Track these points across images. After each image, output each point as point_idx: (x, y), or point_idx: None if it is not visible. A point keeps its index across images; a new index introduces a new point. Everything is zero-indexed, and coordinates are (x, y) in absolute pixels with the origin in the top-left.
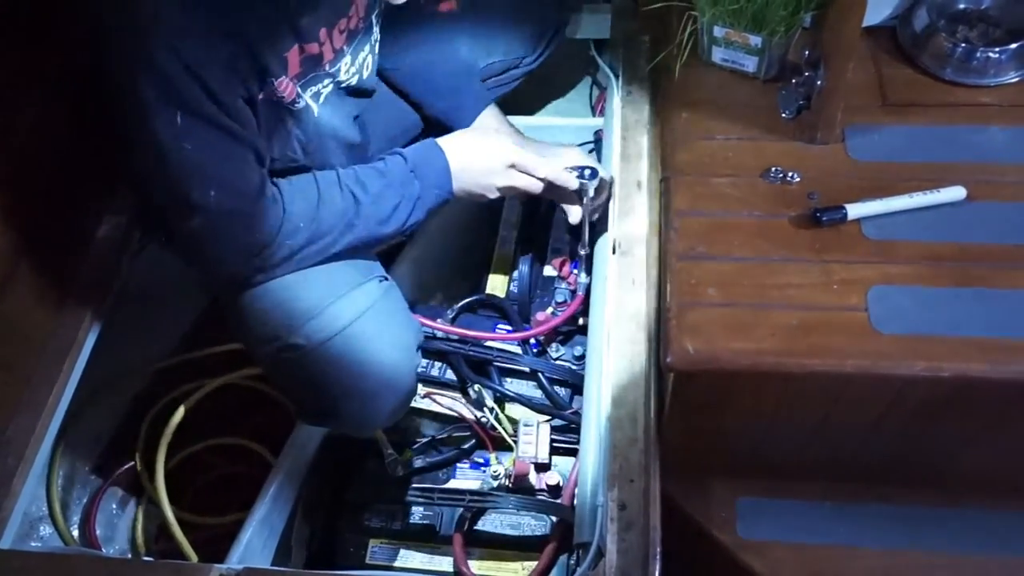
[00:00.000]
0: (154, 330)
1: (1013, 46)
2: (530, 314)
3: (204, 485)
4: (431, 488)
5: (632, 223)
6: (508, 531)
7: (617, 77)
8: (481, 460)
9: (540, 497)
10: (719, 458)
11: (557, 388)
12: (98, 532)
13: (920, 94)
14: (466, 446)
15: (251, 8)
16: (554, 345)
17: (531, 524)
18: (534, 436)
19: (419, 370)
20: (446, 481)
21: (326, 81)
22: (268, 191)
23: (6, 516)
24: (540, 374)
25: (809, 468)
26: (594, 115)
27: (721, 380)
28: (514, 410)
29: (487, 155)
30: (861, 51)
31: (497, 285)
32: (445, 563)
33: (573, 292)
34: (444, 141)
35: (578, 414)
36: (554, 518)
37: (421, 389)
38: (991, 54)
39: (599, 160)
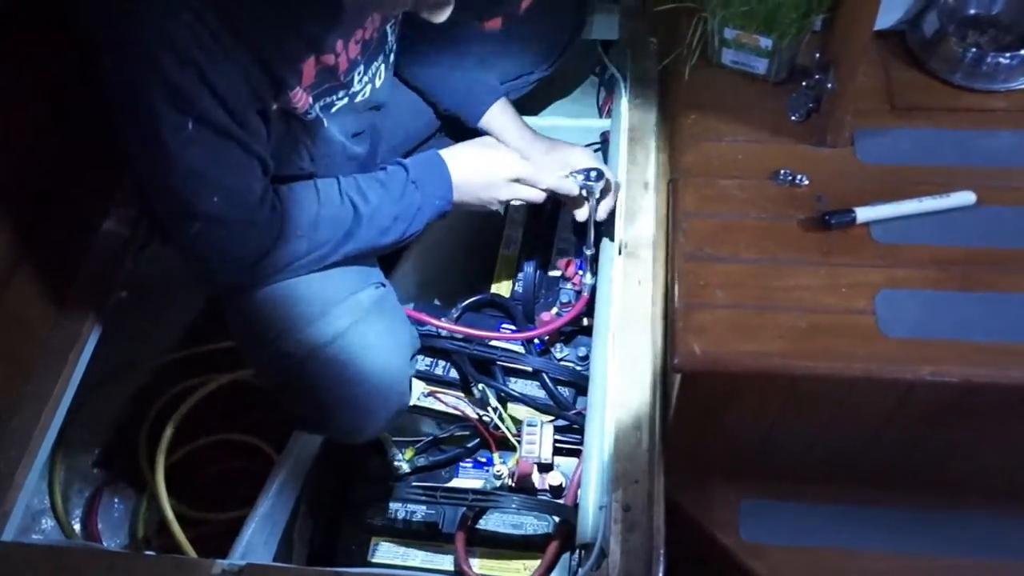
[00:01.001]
0: (158, 325)
1: (1023, 52)
2: (534, 314)
3: (207, 480)
4: (434, 487)
5: (639, 224)
6: (510, 531)
7: (625, 78)
8: (484, 460)
9: (543, 497)
10: (723, 460)
11: (561, 388)
12: (100, 526)
13: (929, 98)
14: (469, 445)
15: (267, 20)
16: (558, 346)
17: (533, 524)
18: (537, 436)
19: (423, 369)
20: (449, 480)
21: (340, 93)
22: (269, 200)
23: (8, 509)
24: (544, 374)
25: (813, 471)
26: (601, 116)
27: (727, 381)
28: (518, 410)
29: (489, 168)
30: (871, 55)
31: (502, 285)
32: (447, 562)
33: (578, 293)
34: (447, 153)
35: (582, 415)
36: (556, 518)
37: (425, 388)
38: (1001, 60)
39: (605, 161)
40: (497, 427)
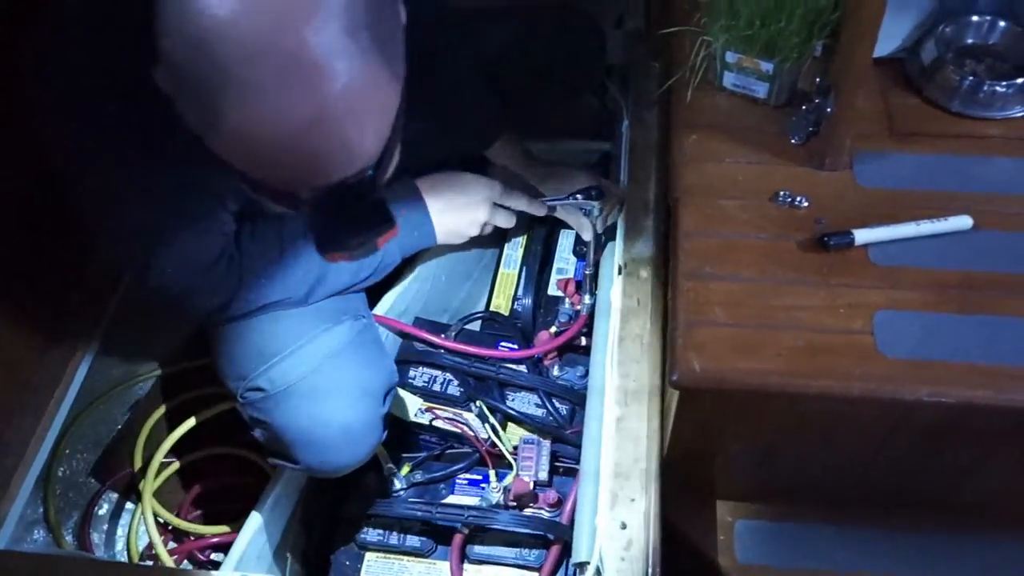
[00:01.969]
0: (155, 338)
1: (1020, 81)
2: (533, 333)
3: (202, 494)
4: (430, 503)
5: (639, 244)
6: (506, 549)
7: (626, 101)
8: (480, 477)
9: (539, 516)
10: (720, 479)
11: (559, 407)
12: (93, 537)
13: (927, 124)
14: (466, 463)
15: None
16: (556, 365)
17: (529, 542)
18: (534, 454)
19: (420, 385)
20: (445, 497)
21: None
22: (230, 257)
23: (2, 517)
24: (541, 392)
25: (810, 491)
26: (602, 139)
27: (726, 399)
28: (515, 428)
29: (467, 193)
30: (870, 81)
31: (501, 303)
32: None
33: (577, 312)
34: (421, 182)
35: (579, 433)
36: (552, 536)
37: (422, 404)
38: (998, 88)
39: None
40: (494, 444)
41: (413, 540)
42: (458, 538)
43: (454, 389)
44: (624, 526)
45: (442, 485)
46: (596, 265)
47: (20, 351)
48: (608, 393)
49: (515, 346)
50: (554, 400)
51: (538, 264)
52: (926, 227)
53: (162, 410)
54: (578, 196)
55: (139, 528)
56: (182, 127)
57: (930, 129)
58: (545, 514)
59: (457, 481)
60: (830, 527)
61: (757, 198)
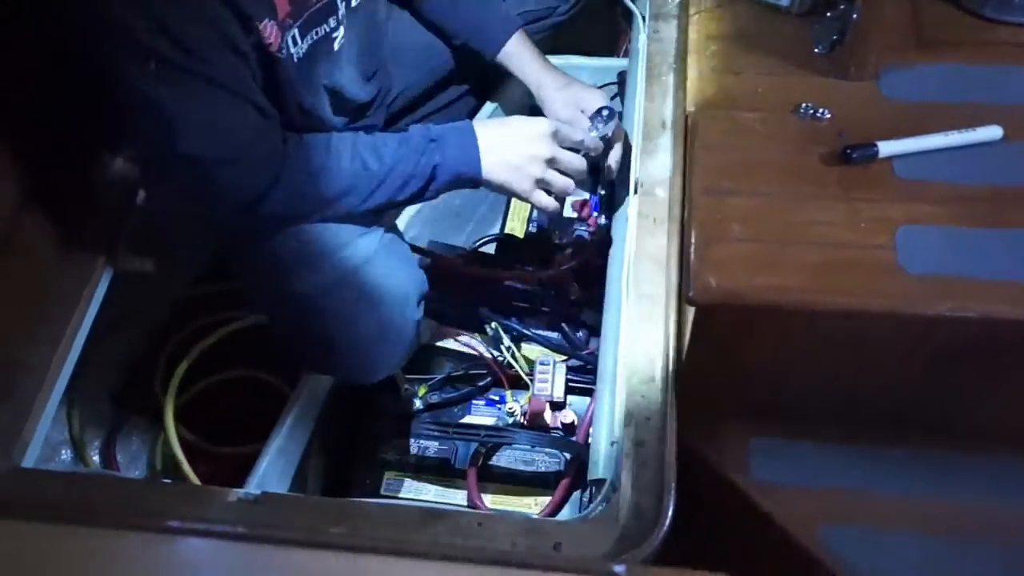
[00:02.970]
0: (171, 262)
1: None
2: (549, 254)
3: (222, 416)
4: (446, 423)
5: (655, 163)
6: (522, 467)
7: (643, 14)
8: (496, 398)
9: (555, 434)
10: (735, 398)
11: (575, 329)
12: (118, 457)
13: (958, 32)
14: (482, 383)
15: None
16: (573, 286)
17: (545, 461)
18: (550, 375)
19: (436, 307)
20: (461, 417)
21: (331, 22)
22: (264, 144)
23: (28, 438)
24: (556, 311)
25: (826, 411)
26: (618, 56)
27: (743, 316)
28: (531, 349)
29: (521, 130)
30: None
31: (516, 225)
32: (459, 497)
33: (593, 233)
34: (476, 122)
35: (595, 354)
36: (568, 455)
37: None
38: None
39: (622, 101)
40: (510, 366)
41: (431, 459)
42: (475, 456)
43: (470, 311)
44: (640, 443)
45: (458, 406)
46: (611, 185)
47: (35, 278)
48: (624, 311)
49: (529, 268)
50: (569, 320)
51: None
52: (954, 138)
53: (180, 334)
54: (602, 112)
55: (163, 449)
56: None
57: (961, 37)
58: (561, 433)
59: (473, 402)
60: (845, 446)
61: (778, 111)
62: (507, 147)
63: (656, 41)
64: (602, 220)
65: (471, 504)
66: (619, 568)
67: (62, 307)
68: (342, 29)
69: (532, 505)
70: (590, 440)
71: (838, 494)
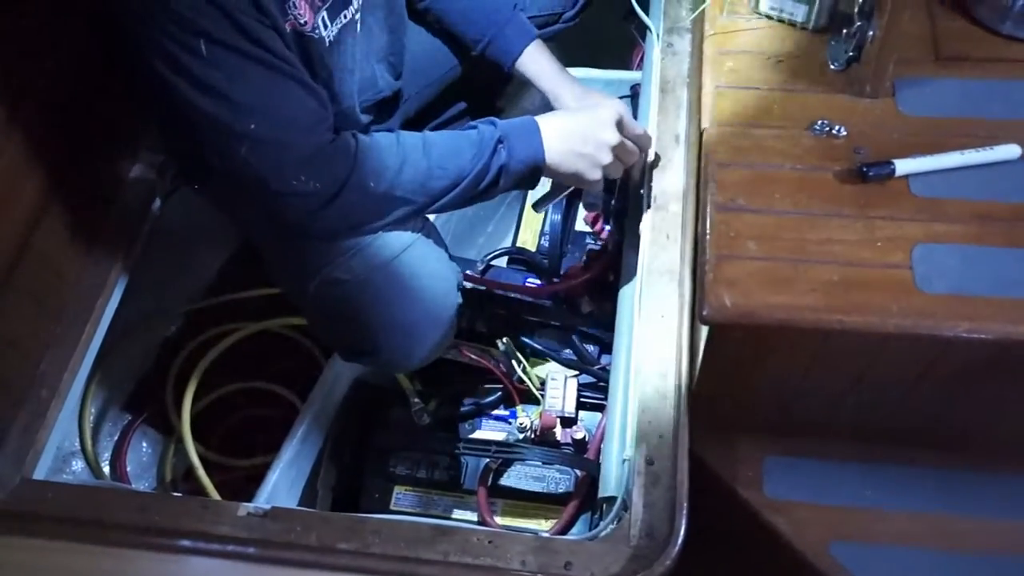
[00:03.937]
0: (185, 272)
1: None
2: (560, 268)
3: (232, 427)
4: (457, 438)
5: (668, 178)
6: (532, 484)
7: (657, 28)
8: (507, 412)
9: (566, 451)
10: (749, 415)
11: (586, 343)
12: (128, 468)
13: (976, 48)
14: (493, 398)
15: None
16: (584, 300)
17: (555, 478)
18: (561, 390)
19: None
20: (472, 432)
21: (353, 4)
22: (329, 132)
23: (40, 448)
24: (567, 327)
25: (839, 428)
26: (632, 68)
27: (757, 334)
28: (542, 364)
29: (590, 117)
30: (916, 1)
31: (528, 238)
32: (469, 513)
33: (605, 247)
34: (541, 117)
35: (606, 370)
36: (579, 472)
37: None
38: None
39: (635, 114)
40: (521, 380)
41: (441, 473)
42: (485, 472)
43: (481, 325)
44: (651, 461)
45: (469, 421)
46: (625, 199)
47: (51, 285)
48: (636, 327)
49: (542, 282)
50: (580, 336)
51: (566, 198)
52: (971, 156)
53: (192, 345)
54: None
55: (172, 460)
56: None
57: (978, 53)
58: (572, 450)
59: (484, 417)
60: (860, 464)
61: (793, 127)
62: (574, 136)
63: (670, 55)
64: (613, 234)
65: (481, 521)
66: None
67: (76, 317)
68: (361, 14)
69: (543, 522)
70: (601, 457)
71: (851, 511)
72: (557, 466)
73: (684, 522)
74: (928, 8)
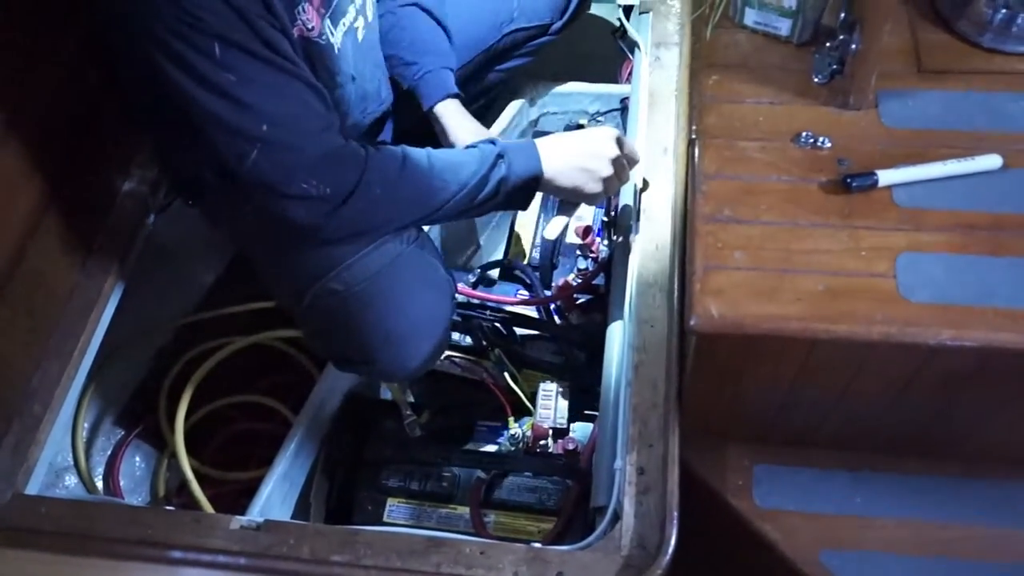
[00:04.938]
0: (177, 287)
1: None
2: (551, 280)
3: (225, 441)
4: (449, 450)
5: (657, 189)
6: (525, 494)
7: (645, 42)
8: (499, 424)
9: (557, 461)
10: (738, 424)
11: (576, 353)
12: (121, 483)
13: (957, 60)
14: (484, 410)
15: None
16: (575, 313)
17: (547, 488)
18: (552, 401)
19: None
20: (464, 444)
21: (350, 11)
22: (339, 137)
23: (32, 464)
24: (558, 338)
25: (828, 436)
26: (621, 82)
27: (745, 344)
28: (533, 375)
29: (586, 136)
30: (897, 15)
31: (519, 250)
32: (462, 524)
33: (596, 259)
34: (538, 139)
35: (597, 380)
36: (570, 482)
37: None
38: None
39: (624, 127)
40: (513, 392)
41: (433, 485)
42: (477, 483)
43: (473, 337)
44: (642, 471)
45: (460, 433)
46: (615, 211)
47: (44, 300)
48: (626, 338)
49: (533, 294)
50: (572, 346)
51: (556, 211)
52: (953, 167)
53: (185, 359)
54: None
55: (166, 474)
56: None
57: (959, 65)
58: (563, 460)
59: (476, 428)
60: (849, 472)
61: (778, 139)
62: (573, 151)
63: (658, 68)
64: (605, 245)
65: (474, 532)
66: None
67: (69, 332)
68: (362, 19)
69: (535, 533)
70: (592, 467)
71: (840, 519)
72: (549, 477)
73: (675, 531)
74: (910, 22)
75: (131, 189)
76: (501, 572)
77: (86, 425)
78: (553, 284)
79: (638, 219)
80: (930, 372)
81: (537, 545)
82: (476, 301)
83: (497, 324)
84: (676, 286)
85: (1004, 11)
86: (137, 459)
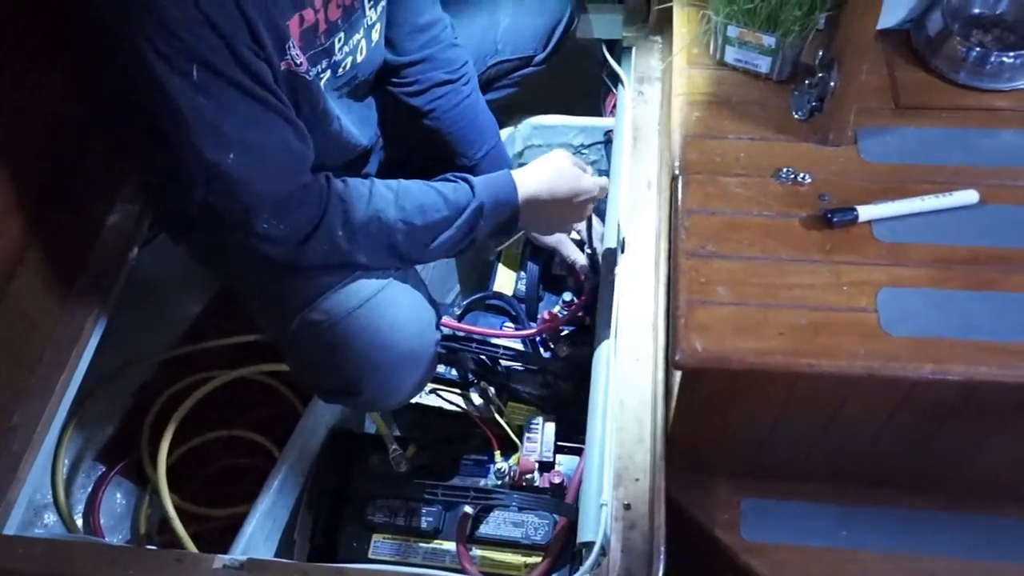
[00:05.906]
0: (160, 321)
1: None
2: (536, 313)
3: (209, 477)
4: (435, 484)
5: (641, 222)
6: (511, 529)
7: (629, 77)
8: (485, 458)
9: (544, 496)
10: (724, 459)
11: (562, 386)
12: (102, 521)
13: (933, 97)
14: (470, 443)
15: None
16: (560, 345)
17: (534, 523)
18: (539, 434)
19: None
20: (450, 478)
21: (323, 62)
22: (306, 175)
23: (11, 502)
24: (544, 371)
25: (814, 470)
26: (605, 115)
27: (729, 379)
28: (519, 408)
29: (566, 190)
30: (875, 53)
31: (505, 283)
32: (448, 559)
33: (580, 291)
34: (520, 177)
35: (583, 414)
36: (557, 517)
37: (427, 385)
38: (1005, 58)
39: (608, 160)
40: (499, 425)
41: (419, 521)
42: (464, 518)
43: (459, 370)
44: (628, 506)
45: (446, 467)
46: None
47: (25, 335)
48: (612, 371)
49: (518, 326)
50: (557, 379)
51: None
52: (931, 202)
53: (167, 393)
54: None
55: (148, 511)
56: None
57: (936, 102)
58: (550, 494)
59: (462, 462)
60: (836, 505)
61: (759, 175)
62: (550, 205)
63: (642, 103)
64: (589, 278)
65: (460, 567)
66: None
67: (51, 367)
68: (350, 59)
69: (521, 568)
70: (579, 502)
71: (828, 552)
72: (536, 511)
73: (662, 566)
74: (887, 60)
75: (115, 223)
76: None
77: (66, 461)
78: (539, 316)
79: (623, 251)
80: (913, 405)
81: None
82: (461, 334)
83: (483, 357)
84: (662, 320)
85: (978, 49)
86: (118, 496)
